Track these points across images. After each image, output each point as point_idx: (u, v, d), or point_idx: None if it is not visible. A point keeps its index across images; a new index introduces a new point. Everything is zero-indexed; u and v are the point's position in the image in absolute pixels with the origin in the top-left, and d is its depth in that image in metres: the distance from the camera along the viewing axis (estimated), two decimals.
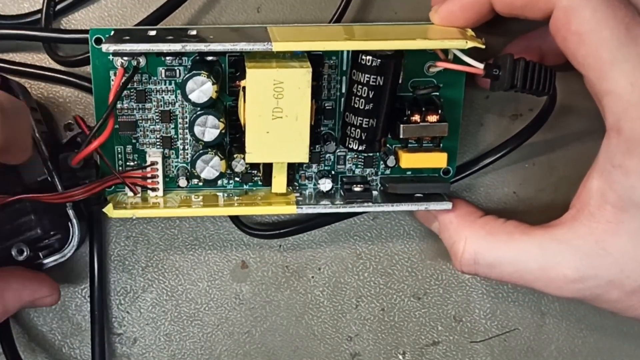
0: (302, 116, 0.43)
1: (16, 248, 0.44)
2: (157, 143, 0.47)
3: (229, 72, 0.45)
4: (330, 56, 0.46)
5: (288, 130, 0.43)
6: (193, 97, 0.43)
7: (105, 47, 0.41)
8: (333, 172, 0.48)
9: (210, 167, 0.44)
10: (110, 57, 0.44)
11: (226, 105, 0.46)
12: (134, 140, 0.46)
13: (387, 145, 0.47)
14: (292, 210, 0.46)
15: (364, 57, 0.43)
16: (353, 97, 0.44)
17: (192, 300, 0.51)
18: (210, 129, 0.43)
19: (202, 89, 0.42)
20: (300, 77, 0.42)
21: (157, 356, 0.51)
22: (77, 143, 0.49)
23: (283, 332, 0.51)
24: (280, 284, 0.51)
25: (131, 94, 0.45)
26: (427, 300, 0.51)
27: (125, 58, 0.43)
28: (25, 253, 0.44)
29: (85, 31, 0.44)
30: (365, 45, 0.42)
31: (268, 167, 0.46)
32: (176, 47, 0.42)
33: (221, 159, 0.44)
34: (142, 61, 0.44)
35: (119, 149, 0.46)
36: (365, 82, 0.43)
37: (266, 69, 0.42)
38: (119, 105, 0.45)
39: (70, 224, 0.45)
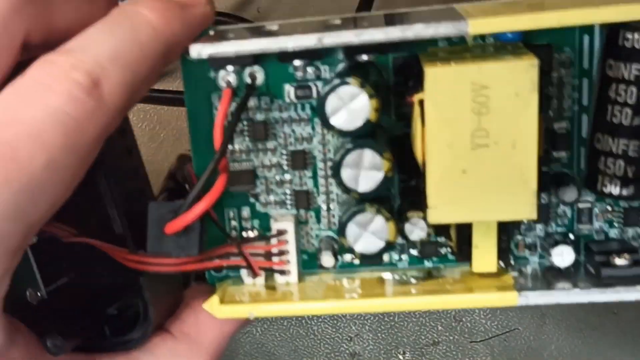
0: (524, 142, 0.25)
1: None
2: (288, 202, 0.30)
3: (394, 82, 0.28)
4: (562, 47, 0.28)
5: (500, 167, 0.25)
6: (338, 120, 0.26)
7: (195, 51, 0.26)
8: (572, 236, 0.29)
9: (371, 233, 0.27)
10: (212, 73, 0.28)
11: (392, 134, 0.29)
12: (252, 199, 0.30)
13: None
14: (511, 301, 0.27)
15: (629, 35, 0.25)
16: (610, 107, 0.26)
17: None
18: (367, 171, 0.26)
19: (352, 106, 0.26)
20: (520, 76, 0.25)
21: None
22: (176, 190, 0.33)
23: (283, 332, 0.49)
24: None
25: (245, 128, 0.29)
26: None
27: (232, 72, 0.28)
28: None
29: None
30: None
31: (465, 231, 0.28)
32: (309, 41, 0.25)
33: (387, 220, 0.27)
34: (260, 76, 0.29)
35: (230, 212, 0.30)
36: (632, 78, 0.25)
37: (458, 65, 0.25)
38: (228, 147, 0.29)
39: (140, 300, 0.30)
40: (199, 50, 0.26)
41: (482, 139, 0.25)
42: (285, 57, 0.27)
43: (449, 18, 0.25)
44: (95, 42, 0.24)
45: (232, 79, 0.28)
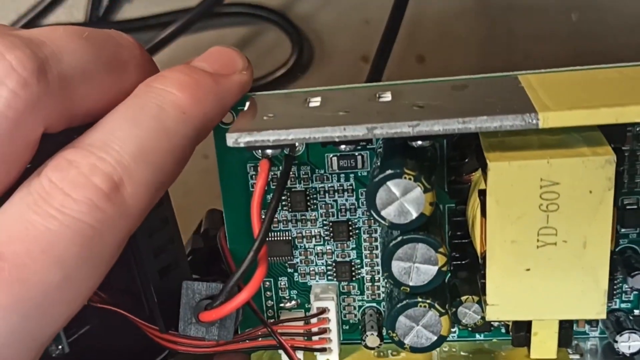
0: (596, 241, 0.23)
1: None
2: (328, 273, 0.28)
3: (448, 157, 0.26)
4: (636, 123, 0.25)
5: (567, 266, 0.23)
6: (390, 214, 0.23)
7: (231, 140, 0.23)
8: (636, 312, 0.27)
9: (422, 327, 0.25)
10: None
11: (444, 210, 0.26)
12: (290, 270, 0.28)
13: None
14: None
15: None
16: None
17: None
18: (420, 265, 0.24)
19: (405, 199, 0.23)
20: (595, 173, 0.22)
21: None
22: (203, 250, 0.31)
23: None
24: None
25: (284, 198, 0.27)
26: None
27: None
28: None
29: None
30: None
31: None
32: (358, 131, 0.22)
33: (442, 315, 0.25)
34: (300, 145, 0.26)
35: (266, 282, 0.28)
36: None
37: (525, 160, 0.22)
38: (262, 216, 0.27)
39: None
40: (236, 139, 0.23)
41: (549, 237, 0.23)
42: (329, 143, 0.24)
43: (515, 103, 0.22)
44: (117, 135, 0.22)
45: (270, 150, 0.26)
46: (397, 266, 0.24)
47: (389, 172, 0.23)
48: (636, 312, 0.27)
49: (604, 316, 0.24)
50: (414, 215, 0.23)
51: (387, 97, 0.24)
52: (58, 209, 0.20)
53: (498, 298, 0.24)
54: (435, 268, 0.24)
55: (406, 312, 0.25)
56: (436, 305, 0.25)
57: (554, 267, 0.23)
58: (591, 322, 0.28)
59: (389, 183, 0.23)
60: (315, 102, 0.25)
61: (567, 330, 0.26)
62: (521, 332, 0.26)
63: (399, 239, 0.24)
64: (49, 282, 0.20)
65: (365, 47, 0.42)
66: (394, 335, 0.25)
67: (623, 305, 0.27)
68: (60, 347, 0.27)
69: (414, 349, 0.25)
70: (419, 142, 0.24)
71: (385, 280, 0.25)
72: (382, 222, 0.24)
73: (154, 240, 0.27)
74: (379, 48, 0.39)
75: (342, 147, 0.24)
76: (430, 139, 0.23)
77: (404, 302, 0.25)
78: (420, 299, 0.25)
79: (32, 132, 0.21)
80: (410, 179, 0.23)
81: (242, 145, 0.23)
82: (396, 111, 0.23)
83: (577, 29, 0.40)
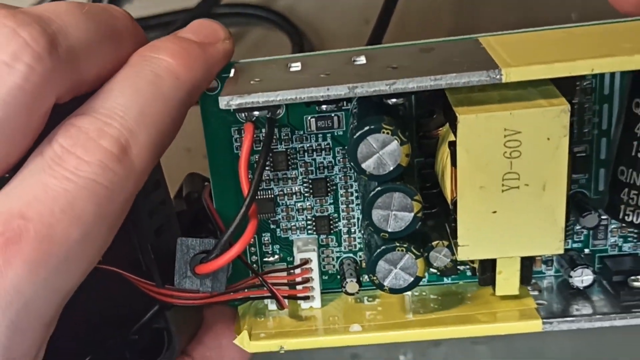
0: (553, 183, 0.25)
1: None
2: (309, 227, 0.30)
3: (417, 114, 0.28)
4: (584, 76, 0.28)
5: (529, 207, 0.26)
6: (370, 166, 0.26)
7: (224, 103, 0.25)
8: (587, 251, 0.30)
9: (400, 270, 0.28)
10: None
11: (414, 163, 0.29)
12: (272, 226, 0.30)
13: None
14: (535, 327, 0.28)
15: None
16: (636, 144, 0.26)
17: None
18: (398, 212, 0.26)
19: (384, 152, 0.25)
20: (552, 122, 0.25)
21: None
22: (187, 213, 0.33)
23: None
24: None
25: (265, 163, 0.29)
26: None
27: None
28: None
29: None
30: None
31: (488, 259, 0.29)
32: (340, 90, 0.25)
33: (417, 257, 0.27)
34: (281, 109, 0.28)
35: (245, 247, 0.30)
36: None
37: (490, 112, 0.25)
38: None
39: (165, 330, 0.30)
40: (228, 101, 0.25)
41: (513, 181, 0.25)
42: (314, 103, 0.27)
43: (478, 61, 0.25)
44: (120, 101, 0.24)
45: (255, 111, 0.28)
46: (376, 214, 0.26)
47: (368, 127, 0.25)
48: (586, 250, 0.30)
49: (562, 251, 0.26)
50: (392, 166, 0.26)
51: (362, 60, 0.26)
52: (73, 172, 0.22)
53: (468, 239, 0.26)
54: (411, 215, 0.26)
55: (385, 256, 0.27)
56: (412, 249, 0.27)
57: (517, 208, 0.26)
58: (547, 262, 0.31)
59: (369, 138, 0.25)
60: (296, 67, 0.27)
61: (527, 269, 0.29)
62: (487, 272, 0.29)
63: (378, 189, 0.26)
64: (71, 239, 0.22)
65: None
66: (375, 278, 0.28)
67: (575, 245, 0.30)
68: None
69: (392, 290, 0.28)
70: (394, 100, 0.26)
71: (366, 228, 0.28)
72: (363, 174, 0.26)
73: (148, 202, 0.29)
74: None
75: (324, 107, 0.27)
76: (404, 96, 0.26)
77: (383, 247, 0.27)
78: (397, 244, 0.27)
79: (46, 103, 0.23)
80: (388, 133, 0.25)
81: (234, 107, 0.25)
82: (373, 72, 0.25)
83: None
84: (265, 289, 0.29)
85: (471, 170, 0.25)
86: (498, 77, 0.24)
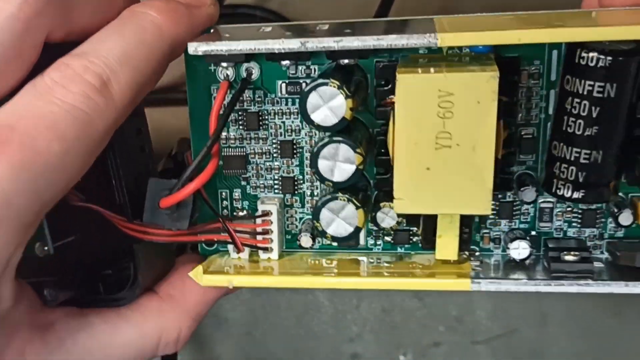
0: (482, 145, 0.28)
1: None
2: (275, 186, 0.33)
3: (376, 84, 0.31)
4: (532, 60, 0.30)
5: (460, 166, 0.28)
6: (317, 117, 0.29)
7: (192, 48, 0.29)
8: (533, 233, 0.32)
9: (341, 219, 0.30)
10: (212, 67, 0.31)
11: (373, 132, 0.32)
12: (243, 182, 0.33)
13: (620, 193, 0.30)
14: (464, 286, 0.30)
15: (584, 54, 0.27)
16: (565, 118, 0.28)
17: None
18: (342, 163, 0.29)
19: (330, 105, 0.28)
20: (482, 86, 0.27)
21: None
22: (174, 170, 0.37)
23: (283, 333, 0.49)
24: None
25: (240, 118, 0.32)
26: (428, 301, 0.48)
27: (229, 67, 0.31)
28: None
29: None
30: (593, 34, 0.26)
31: (430, 223, 0.31)
32: (293, 44, 0.28)
33: (357, 208, 0.30)
34: (255, 71, 0.31)
35: (222, 193, 0.33)
36: (585, 93, 0.28)
37: (427, 73, 0.28)
38: (223, 135, 0.32)
39: (132, 265, 0.33)
40: (196, 47, 0.29)
41: (445, 140, 0.28)
42: (273, 57, 0.30)
43: (422, 30, 0.28)
44: (105, 45, 0.27)
45: (230, 73, 0.31)
46: (322, 164, 0.29)
47: (317, 81, 0.28)
48: (533, 232, 0.32)
49: (489, 212, 0.28)
50: (337, 119, 0.29)
51: (325, 27, 0.30)
52: (59, 98, 0.26)
53: (403, 193, 0.29)
54: (354, 166, 0.29)
55: (328, 204, 0.30)
56: (353, 199, 0.30)
57: (449, 167, 0.28)
58: (495, 240, 0.32)
59: (317, 90, 0.28)
60: (267, 29, 0.30)
61: (466, 236, 0.31)
62: (429, 234, 0.31)
63: (325, 140, 0.29)
64: (52, 152, 0.26)
65: None
66: (318, 225, 0.30)
67: (522, 226, 0.32)
68: (46, 248, 0.32)
69: (334, 238, 0.30)
70: (346, 61, 0.29)
71: (313, 177, 0.30)
72: (311, 125, 0.29)
73: (128, 146, 0.32)
74: None
75: (284, 62, 0.30)
76: (352, 55, 0.29)
77: (327, 196, 0.30)
78: (340, 194, 0.30)
79: (38, 34, 0.27)
80: (334, 87, 0.28)
81: (200, 53, 0.29)
82: (327, 34, 0.29)
83: None
84: (226, 234, 0.32)
85: (407, 126, 0.28)
86: (434, 41, 0.27)
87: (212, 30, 0.31)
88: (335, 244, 0.33)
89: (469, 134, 0.28)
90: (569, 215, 0.32)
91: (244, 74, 0.31)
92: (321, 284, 0.32)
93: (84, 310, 0.32)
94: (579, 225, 0.32)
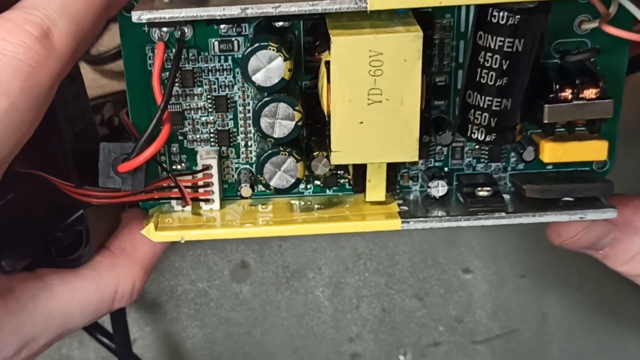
0: (409, 99, 0.31)
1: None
2: (212, 139, 0.35)
3: (305, 42, 0.33)
4: (444, 14, 0.33)
5: (390, 119, 0.31)
6: (258, 78, 0.31)
7: (135, 16, 0.30)
8: (446, 169, 0.36)
9: (283, 172, 0.33)
10: (145, 28, 0.32)
11: (302, 86, 0.34)
12: (180, 137, 0.35)
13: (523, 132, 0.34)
14: (395, 226, 0.34)
15: (495, 12, 0.31)
16: (479, 70, 0.32)
17: (191, 300, 0.50)
18: (282, 120, 0.32)
19: (270, 67, 0.31)
20: (408, 46, 0.30)
21: (156, 356, 0.50)
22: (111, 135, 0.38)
23: (283, 333, 0.50)
24: (281, 284, 0.50)
25: (175, 76, 0.34)
26: (428, 301, 0.50)
27: (165, 29, 0.32)
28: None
29: None
30: None
31: (360, 168, 0.34)
32: (233, 11, 0.30)
33: (297, 161, 0.32)
34: (188, 31, 0.33)
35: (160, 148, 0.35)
36: (496, 48, 0.31)
37: (359, 35, 0.30)
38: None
39: (84, 228, 0.35)
40: (139, 15, 0.30)
41: (376, 96, 0.31)
42: (214, 22, 0.31)
43: None
44: None
45: (164, 32, 0.32)
46: (264, 122, 0.32)
47: (258, 44, 0.30)
48: (446, 169, 0.36)
49: (416, 159, 0.32)
50: (277, 79, 0.31)
51: None
52: (0, 52, 0.26)
53: (340, 146, 0.32)
54: (293, 123, 0.32)
55: (271, 159, 0.32)
56: (294, 153, 0.32)
57: (380, 120, 0.31)
58: (413, 178, 0.36)
59: (257, 53, 0.30)
60: None
61: (392, 178, 0.34)
62: (359, 178, 0.34)
63: (265, 99, 0.31)
64: None
65: None
66: (262, 179, 0.33)
67: (437, 164, 0.36)
68: None
69: (277, 190, 0.33)
70: (280, 23, 0.31)
71: (255, 135, 0.33)
72: (252, 86, 0.31)
73: (68, 110, 0.33)
74: None
75: (222, 26, 0.32)
76: (288, 19, 0.31)
77: (269, 151, 0.32)
78: (281, 149, 0.32)
79: None
80: (273, 49, 0.30)
81: (144, 20, 0.30)
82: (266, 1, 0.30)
83: None
84: (172, 190, 0.34)
85: (342, 85, 0.31)
86: (364, 5, 0.30)
87: None
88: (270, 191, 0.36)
89: (397, 89, 0.31)
90: (477, 153, 0.36)
91: (178, 34, 0.33)
92: (260, 233, 0.34)
93: (41, 273, 0.33)
94: (486, 161, 0.36)
